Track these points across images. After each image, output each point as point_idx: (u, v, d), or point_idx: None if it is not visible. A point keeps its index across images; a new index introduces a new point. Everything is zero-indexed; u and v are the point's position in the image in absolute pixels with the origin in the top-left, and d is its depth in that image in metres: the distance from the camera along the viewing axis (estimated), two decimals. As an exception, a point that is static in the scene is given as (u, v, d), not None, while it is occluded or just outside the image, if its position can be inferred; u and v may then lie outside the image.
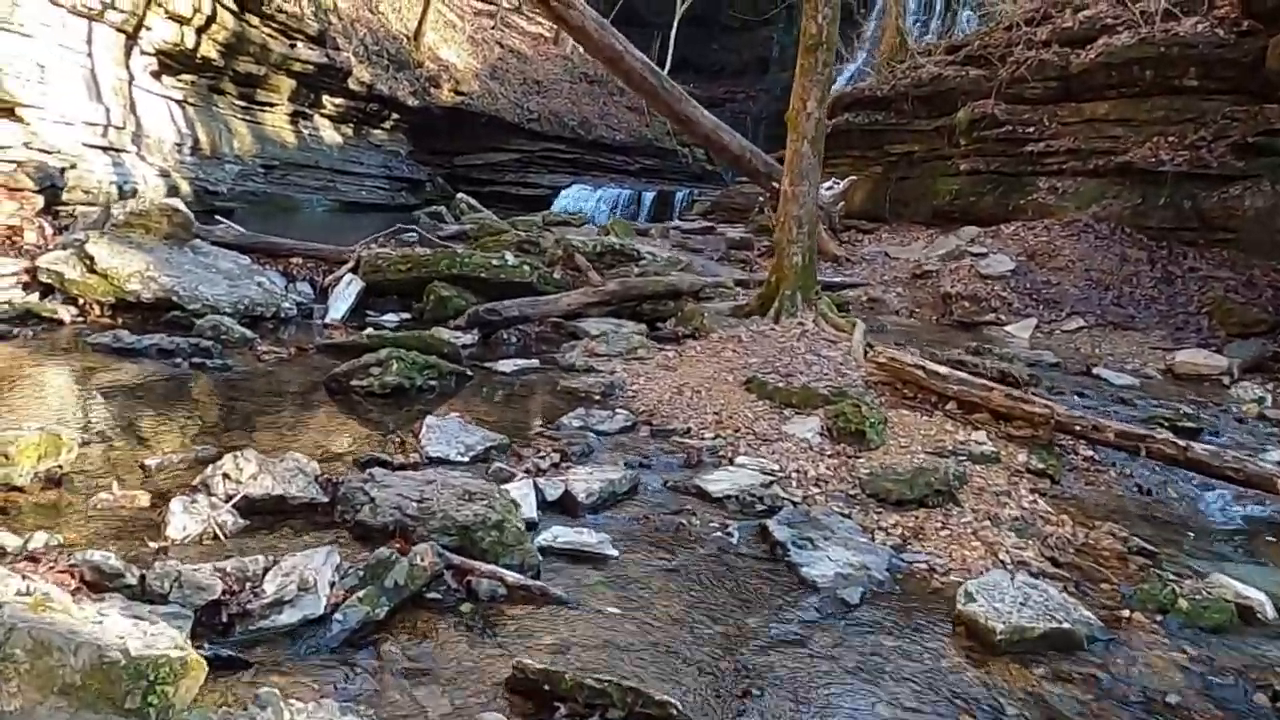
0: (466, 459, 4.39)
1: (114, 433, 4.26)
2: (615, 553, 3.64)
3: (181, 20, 14.19)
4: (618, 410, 5.49)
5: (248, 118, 17.70)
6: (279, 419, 4.84)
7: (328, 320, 7.37)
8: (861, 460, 5.09)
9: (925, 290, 12.04)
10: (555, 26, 30.23)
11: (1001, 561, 4.00)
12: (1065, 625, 3.28)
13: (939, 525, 4.34)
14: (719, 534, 3.99)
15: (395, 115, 22.37)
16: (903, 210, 16.18)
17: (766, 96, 32.57)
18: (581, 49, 30.17)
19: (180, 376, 5.41)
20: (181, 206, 7.32)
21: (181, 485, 3.63)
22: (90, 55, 12.18)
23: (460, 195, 19.81)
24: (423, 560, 3.00)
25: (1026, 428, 5.62)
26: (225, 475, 3.38)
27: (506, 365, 6.49)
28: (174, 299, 6.59)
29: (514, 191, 25.00)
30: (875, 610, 3.44)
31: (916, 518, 4.40)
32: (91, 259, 6.55)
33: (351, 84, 19.96)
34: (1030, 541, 4.27)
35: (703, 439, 5.23)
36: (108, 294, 6.52)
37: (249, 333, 6.40)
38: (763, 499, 4.42)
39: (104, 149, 12.26)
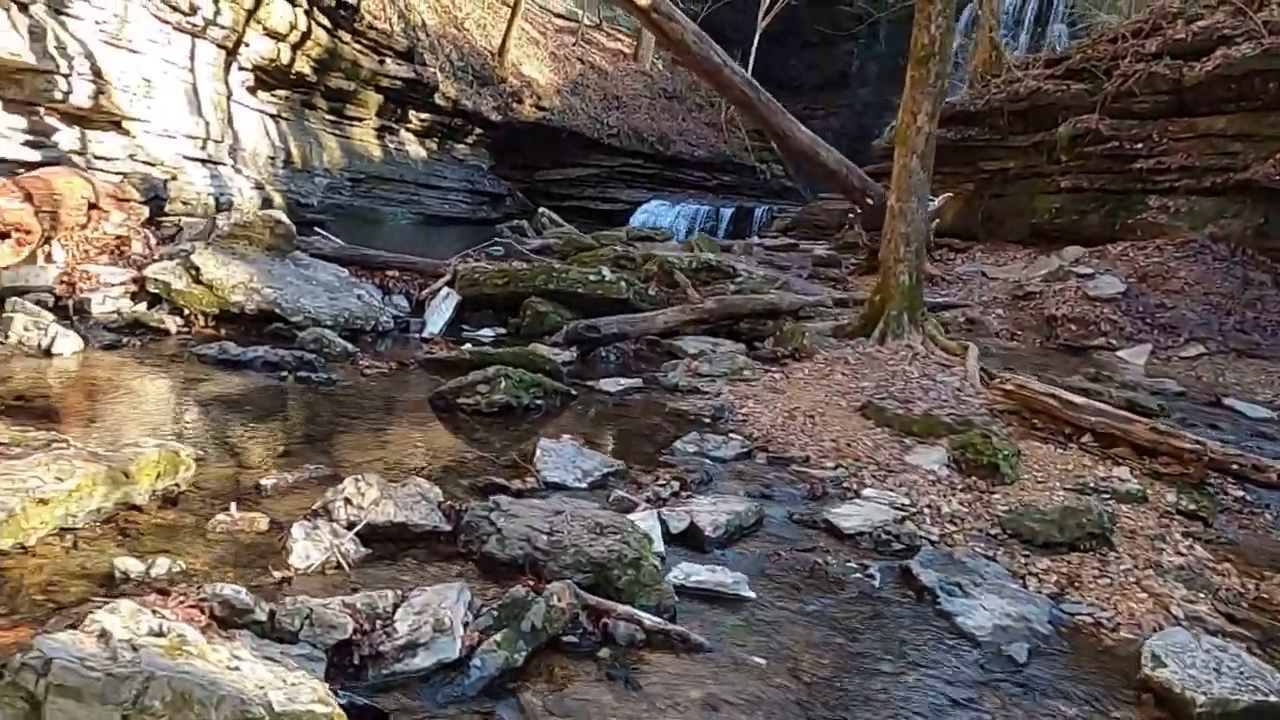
0: (584, 485, 4.17)
1: (225, 448, 4.15)
2: (752, 594, 3.37)
3: (278, 37, 14.46)
4: (732, 435, 5.22)
5: (337, 132, 17.99)
6: (387, 437, 4.70)
7: (425, 334, 7.27)
8: (997, 496, 4.74)
9: (1027, 312, 11.50)
10: (635, 42, 30.31)
11: (1174, 616, 3.62)
12: (1271, 698, 2.90)
13: (1096, 572, 3.96)
14: (859, 575, 3.69)
15: (478, 130, 22.55)
16: (996, 228, 15.62)
17: (847, 112, 32.11)
18: (662, 63, 30.17)
19: (286, 390, 5.32)
20: (284, 218, 7.31)
21: (298, 507, 3.48)
22: (192, 70, 12.45)
23: (542, 209, 19.82)
24: (560, 601, 2.78)
25: (1174, 465, 5.19)
26: (347, 500, 3.20)
27: (609, 384, 6.27)
28: (276, 311, 6.55)
29: (593, 206, 25.01)
30: (1046, 670, 3.10)
31: (1069, 563, 4.03)
32: (197, 270, 6.55)
33: (437, 99, 20.17)
34: (1201, 594, 3.86)
35: (824, 468, 4.93)
36: (212, 305, 6.51)
37: (350, 346, 6.31)
38: (898, 537, 4.10)
39: (203, 161, 12.51)
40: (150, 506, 3.29)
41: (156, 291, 6.49)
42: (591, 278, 8.01)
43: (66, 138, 9.58)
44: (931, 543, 4.13)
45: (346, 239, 10.26)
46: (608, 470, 4.33)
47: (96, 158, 9.96)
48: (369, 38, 17.68)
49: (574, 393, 5.83)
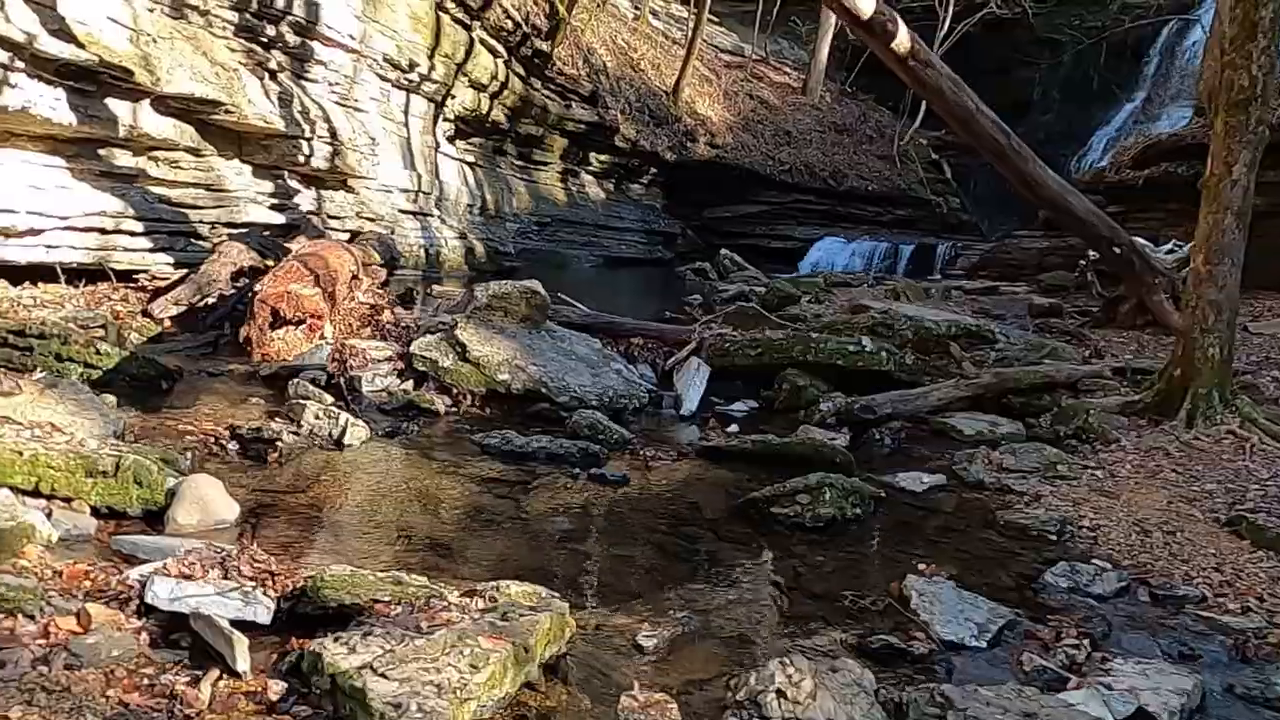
0: (983, 644, 3.53)
1: (573, 585, 3.71)
2: (1275, 832, 2.65)
3: (480, 88, 14.61)
4: (1099, 563, 4.45)
5: (524, 177, 18.13)
6: (721, 564, 4.18)
7: (683, 411, 6.81)
8: None
9: (1313, 376, 10.14)
10: (803, 76, 29.67)
11: None
12: None
13: None
14: (1386, 799, 2.90)
15: (653, 170, 22.40)
16: (1243, 274, 14.07)
17: (1028, 141, 30.46)
18: (830, 95, 29.43)
19: (586, 492, 4.91)
20: (539, 289, 7.04)
21: (692, 680, 3.00)
22: (406, 125, 12.64)
23: (723, 252, 19.42)
24: None
25: None
26: (779, 693, 2.68)
27: (908, 480, 5.61)
28: (543, 390, 6.23)
29: (764, 244, 24.39)
30: None
31: None
32: (463, 346, 6.32)
33: (617, 140, 20.11)
34: None
35: (1229, 612, 4.11)
36: (480, 384, 6.25)
37: (626, 433, 5.89)
38: (1396, 731, 3.26)
39: (414, 214, 12.65)
40: (540, 681, 2.86)
41: (424, 369, 6.28)
42: (851, 348, 7.39)
43: (305, 199, 9.75)
44: None
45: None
46: (1000, 621, 3.67)
47: (330, 217, 10.12)
48: (557, 83, 17.78)
49: (883, 494, 5.19)
